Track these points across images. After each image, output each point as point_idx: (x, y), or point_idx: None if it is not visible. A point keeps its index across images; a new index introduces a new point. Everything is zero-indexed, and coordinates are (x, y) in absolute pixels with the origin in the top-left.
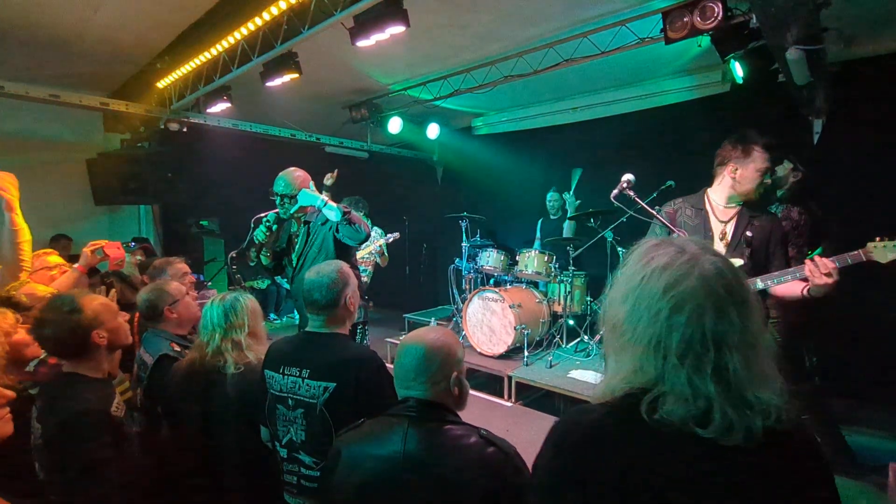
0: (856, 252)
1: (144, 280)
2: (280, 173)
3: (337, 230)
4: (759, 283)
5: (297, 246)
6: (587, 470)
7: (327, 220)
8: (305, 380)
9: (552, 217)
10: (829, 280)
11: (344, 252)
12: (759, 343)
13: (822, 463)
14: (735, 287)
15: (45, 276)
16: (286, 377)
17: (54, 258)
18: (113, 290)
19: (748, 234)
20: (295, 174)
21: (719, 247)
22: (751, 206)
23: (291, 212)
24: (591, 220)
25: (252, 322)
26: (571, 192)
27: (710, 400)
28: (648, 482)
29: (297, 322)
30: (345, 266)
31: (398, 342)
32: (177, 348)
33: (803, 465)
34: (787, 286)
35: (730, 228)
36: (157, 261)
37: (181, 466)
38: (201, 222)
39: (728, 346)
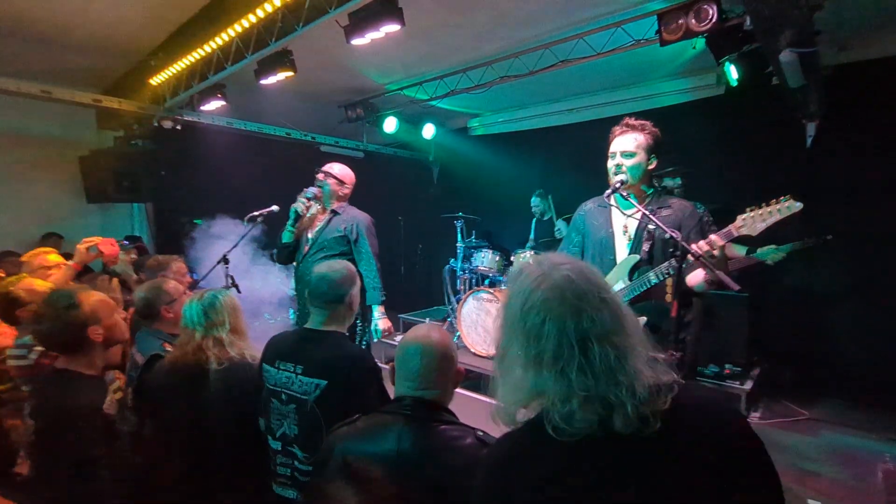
0: (726, 229)
1: (142, 278)
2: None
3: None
4: (653, 278)
5: (313, 230)
6: (510, 489)
7: (355, 216)
8: (299, 375)
9: (543, 219)
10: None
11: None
12: (627, 331)
13: (734, 431)
14: (587, 289)
15: (45, 275)
16: (281, 372)
17: (54, 257)
18: (115, 280)
19: (650, 227)
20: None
21: (622, 241)
22: (659, 197)
23: (325, 190)
24: None
25: (233, 319)
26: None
27: (590, 392)
28: (565, 490)
29: (293, 321)
30: (352, 267)
31: (393, 342)
32: (169, 348)
33: (710, 435)
34: (694, 276)
35: (632, 223)
36: (153, 259)
37: (169, 463)
38: (195, 221)
39: (593, 341)
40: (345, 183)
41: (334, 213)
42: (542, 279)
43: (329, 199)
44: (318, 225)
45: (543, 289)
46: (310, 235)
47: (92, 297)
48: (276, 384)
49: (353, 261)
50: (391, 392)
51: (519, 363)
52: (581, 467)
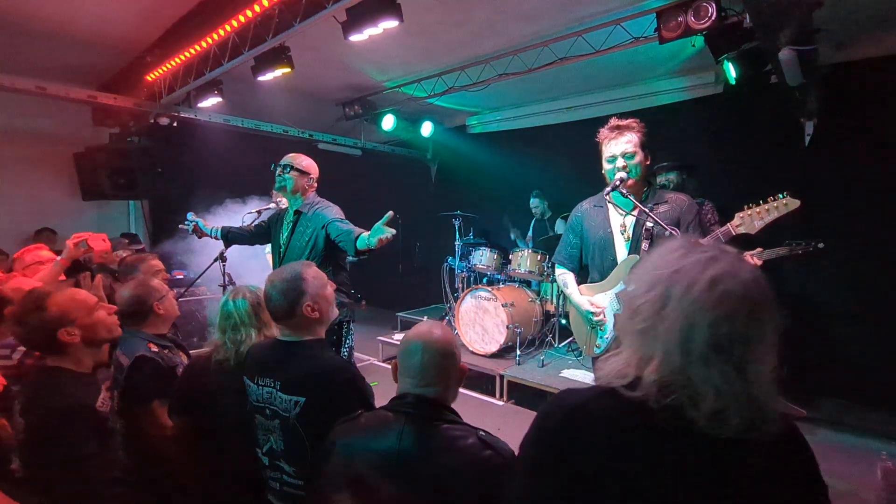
0: (725, 228)
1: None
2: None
3: (328, 231)
4: None
5: (282, 235)
6: (568, 449)
7: (317, 212)
8: (278, 392)
9: (543, 219)
10: None
11: (333, 249)
12: (773, 347)
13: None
14: (766, 294)
15: (37, 270)
16: (261, 388)
17: (47, 253)
18: (98, 276)
19: (648, 224)
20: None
21: (621, 240)
22: (654, 193)
23: (287, 185)
24: None
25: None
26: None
27: (728, 396)
28: (633, 471)
29: None
30: (307, 272)
31: (392, 340)
32: (154, 348)
33: (791, 460)
34: None
35: (630, 221)
36: (127, 257)
37: (224, 467)
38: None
39: (754, 347)
40: (309, 173)
41: (299, 214)
42: (732, 265)
43: (293, 195)
44: (285, 232)
45: (736, 280)
46: (281, 242)
47: (62, 298)
48: (258, 400)
49: (331, 255)
50: (392, 390)
51: (667, 333)
52: (664, 452)
